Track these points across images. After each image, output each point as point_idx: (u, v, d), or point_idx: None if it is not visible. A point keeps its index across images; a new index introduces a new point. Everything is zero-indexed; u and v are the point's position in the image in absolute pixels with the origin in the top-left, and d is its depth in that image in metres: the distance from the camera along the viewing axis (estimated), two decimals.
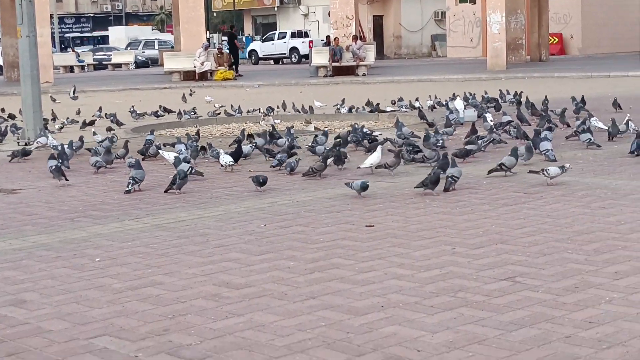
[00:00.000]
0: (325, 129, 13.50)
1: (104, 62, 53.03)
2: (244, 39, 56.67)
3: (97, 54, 55.17)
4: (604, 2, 46.87)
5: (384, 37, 54.77)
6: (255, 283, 5.49)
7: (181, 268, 5.95)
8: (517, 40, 36.73)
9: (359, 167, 9.69)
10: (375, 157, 9.53)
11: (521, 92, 17.34)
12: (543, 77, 27.62)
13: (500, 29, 31.55)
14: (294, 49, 52.28)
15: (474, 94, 17.69)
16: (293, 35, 53.07)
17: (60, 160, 10.10)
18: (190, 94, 22.44)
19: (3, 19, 32.79)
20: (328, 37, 35.33)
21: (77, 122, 16.32)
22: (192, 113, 17.25)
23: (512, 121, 12.87)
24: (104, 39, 66.95)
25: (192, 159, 10.55)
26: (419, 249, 6.20)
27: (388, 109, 17.06)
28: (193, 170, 9.55)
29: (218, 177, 9.99)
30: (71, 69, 49.24)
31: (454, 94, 17.13)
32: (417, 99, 17.67)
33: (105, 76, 40.98)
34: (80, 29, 79.29)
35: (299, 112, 17.26)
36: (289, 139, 11.58)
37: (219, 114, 17.73)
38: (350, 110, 16.88)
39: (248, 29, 62.21)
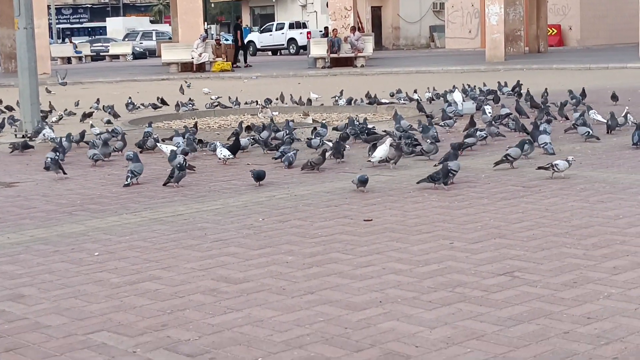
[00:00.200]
0: (323, 121, 13.48)
1: (101, 54, 52.96)
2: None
3: (94, 45, 55.09)
4: None
5: (382, 28, 54.71)
6: (253, 278, 5.49)
7: (179, 262, 5.94)
8: (516, 32, 36.73)
9: (369, 161, 9.64)
10: (383, 150, 9.47)
11: (521, 83, 17.32)
12: (541, 68, 27.61)
13: (499, 21, 31.54)
14: (292, 40, 52.26)
15: (474, 86, 17.65)
16: (291, 26, 53.03)
17: (57, 154, 10.07)
18: (188, 86, 22.40)
19: (0, 10, 32.69)
20: (326, 28, 35.27)
21: (75, 114, 16.29)
22: (190, 105, 17.21)
23: (511, 114, 12.88)
24: (102, 30, 66.85)
25: (190, 151, 10.53)
26: (417, 244, 6.20)
27: (384, 101, 17.01)
28: (186, 164, 9.52)
29: (216, 170, 9.98)
30: (69, 60, 49.17)
31: (453, 86, 17.09)
32: (415, 91, 17.64)
33: (103, 67, 40.92)
34: (77, 20, 79.14)
35: (297, 104, 17.24)
36: (287, 132, 11.56)
37: (216, 105, 17.68)
38: (349, 102, 16.83)
39: (246, 19, 62.07)
